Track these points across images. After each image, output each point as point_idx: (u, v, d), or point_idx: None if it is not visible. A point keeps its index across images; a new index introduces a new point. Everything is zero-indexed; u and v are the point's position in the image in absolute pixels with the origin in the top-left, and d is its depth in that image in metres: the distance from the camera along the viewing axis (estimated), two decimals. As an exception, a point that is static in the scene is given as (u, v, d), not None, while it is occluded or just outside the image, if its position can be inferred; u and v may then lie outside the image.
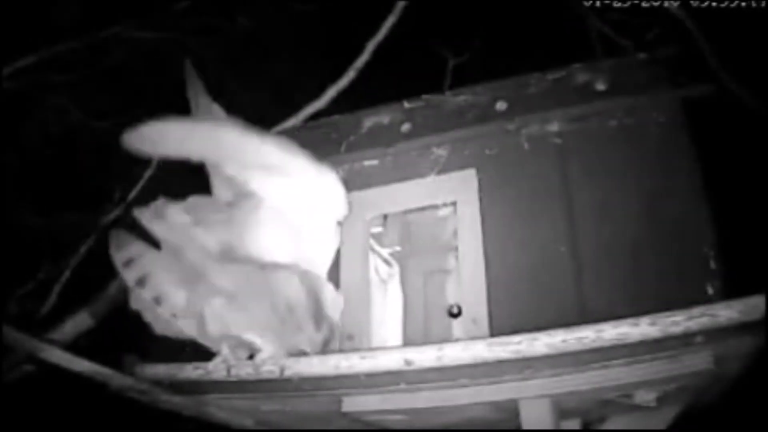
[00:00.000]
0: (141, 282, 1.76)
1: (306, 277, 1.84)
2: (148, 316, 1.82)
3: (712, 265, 1.76)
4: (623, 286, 1.82)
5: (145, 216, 1.81)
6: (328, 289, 1.92)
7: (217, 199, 1.91)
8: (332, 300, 1.91)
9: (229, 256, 1.77)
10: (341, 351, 1.99)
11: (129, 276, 1.78)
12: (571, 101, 2.09)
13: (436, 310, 2.45)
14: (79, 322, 3.25)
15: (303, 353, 1.83)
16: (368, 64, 3.78)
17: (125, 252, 1.80)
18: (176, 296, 1.78)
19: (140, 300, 1.78)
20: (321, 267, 1.94)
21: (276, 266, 1.81)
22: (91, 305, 3.29)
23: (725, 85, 3.27)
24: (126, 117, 1.86)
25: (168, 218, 1.78)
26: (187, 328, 1.82)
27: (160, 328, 1.84)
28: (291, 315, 1.80)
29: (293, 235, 1.86)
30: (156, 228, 1.80)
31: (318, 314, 1.84)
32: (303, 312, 1.81)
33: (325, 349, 1.86)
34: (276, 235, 1.84)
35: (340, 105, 3.62)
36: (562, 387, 1.69)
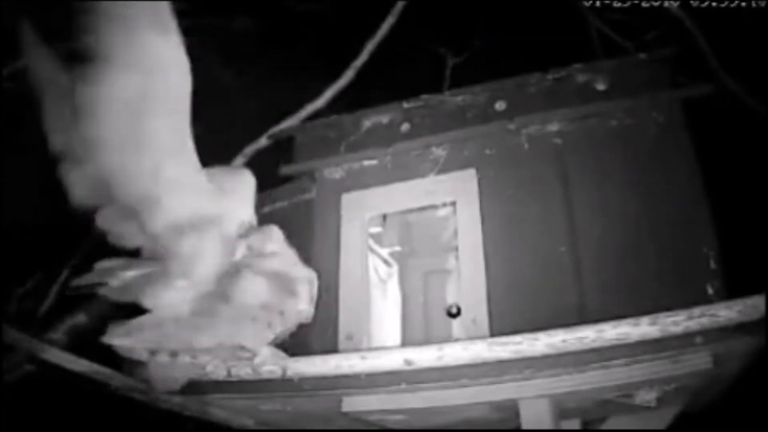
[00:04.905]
0: (154, 353, 1.85)
1: (268, 269, 1.85)
2: (168, 373, 1.89)
3: (712, 265, 1.76)
4: (623, 286, 1.82)
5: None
6: (298, 271, 1.89)
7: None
8: (304, 278, 1.88)
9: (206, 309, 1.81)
10: (341, 351, 2.00)
11: (143, 352, 1.85)
12: (571, 101, 2.10)
13: (436, 310, 2.45)
14: (76, 321, 3.25)
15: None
16: (368, 64, 3.77)
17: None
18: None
19: (158, 365, 1.86)
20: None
21: (238, 269, 1.83)
22: (88, 306, 3.29)
23: (725, 85, 3.27)
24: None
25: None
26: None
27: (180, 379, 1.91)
28: (261, 311, 1.82)
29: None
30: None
31: (287, 300, 1.85)
32: (272, 304, 1.83)
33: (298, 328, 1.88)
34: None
35: (339, 105, 3.61)
36: (562, 387, 1.69)
